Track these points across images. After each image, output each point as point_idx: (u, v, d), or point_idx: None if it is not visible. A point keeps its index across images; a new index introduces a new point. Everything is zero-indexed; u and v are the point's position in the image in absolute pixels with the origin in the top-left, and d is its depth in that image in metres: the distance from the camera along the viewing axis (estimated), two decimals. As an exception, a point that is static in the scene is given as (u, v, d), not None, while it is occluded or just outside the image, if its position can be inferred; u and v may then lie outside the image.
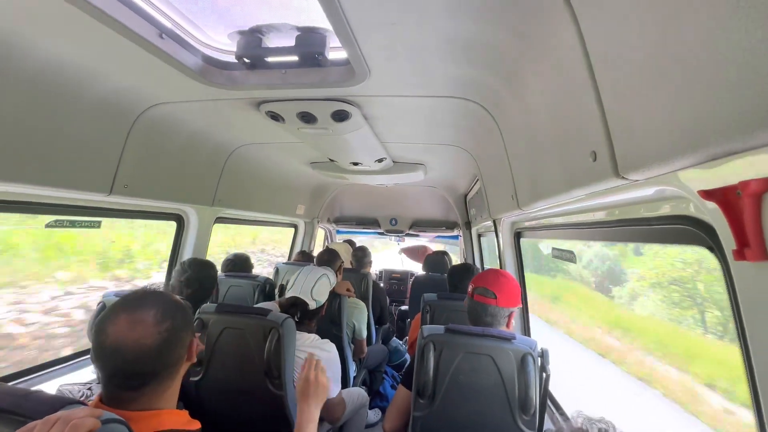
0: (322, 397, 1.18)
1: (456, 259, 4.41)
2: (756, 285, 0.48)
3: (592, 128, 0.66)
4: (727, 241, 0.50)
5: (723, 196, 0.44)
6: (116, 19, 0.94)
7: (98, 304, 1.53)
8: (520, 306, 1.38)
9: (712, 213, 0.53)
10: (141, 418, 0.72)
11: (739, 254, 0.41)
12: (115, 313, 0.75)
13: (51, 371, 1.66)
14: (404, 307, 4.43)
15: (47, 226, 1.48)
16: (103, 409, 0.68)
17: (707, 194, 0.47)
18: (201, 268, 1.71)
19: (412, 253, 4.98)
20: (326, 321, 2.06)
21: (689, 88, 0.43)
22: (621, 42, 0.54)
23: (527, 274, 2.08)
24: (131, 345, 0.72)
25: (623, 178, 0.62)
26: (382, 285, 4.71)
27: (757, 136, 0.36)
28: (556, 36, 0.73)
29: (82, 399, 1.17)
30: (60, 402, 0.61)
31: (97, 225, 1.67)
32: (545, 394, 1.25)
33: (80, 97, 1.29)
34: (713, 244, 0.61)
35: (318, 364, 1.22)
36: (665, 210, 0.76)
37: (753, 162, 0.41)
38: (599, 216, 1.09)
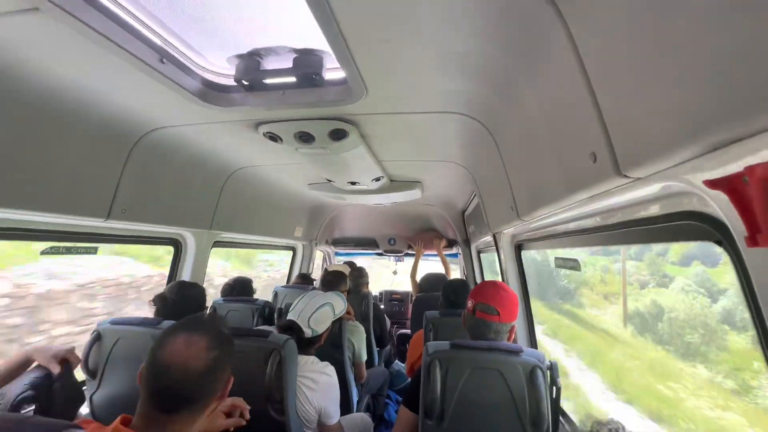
0: None
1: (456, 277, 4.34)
2: None
3: (590, 129, 0.67)
4: (738, 229, 0.50)
5: (729, 185, 0.44)
6: (118, 44, 0.97)
7: (92, 333, 1.48)
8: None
9: (719, 203, 0.53)
10: None
11: (752, 240, 0.41)
12: (174, 333, 0.80)
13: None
14: (404, 330, 4.34)
15: (43, 253, 1.45)
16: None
17: (713, 184, 0.47)
18: (184, 291, 1.66)
19: (424, 243, 4.31)
20: (327, 344, 2.00)
21: (685, 78, 0.44)
22: (613, 39, 0.56)
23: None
24: (181, 364, 0.75)
25: (625, 176, 0.62)
26: (382, 306, 4.63)
27: (759, 120, 0.37)
28: (547, 43, 0.75)
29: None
30: (57, 426, 0.58)
31: (94, 251, 1.65)
32: (557, 409, 1.21)
33: (80, 121, 1.30)
34: (722, 237, 0.61)
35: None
36: (669, 207, 0.76)
37: (757, 147, 0.41)
38: (601, 220, 1.09)
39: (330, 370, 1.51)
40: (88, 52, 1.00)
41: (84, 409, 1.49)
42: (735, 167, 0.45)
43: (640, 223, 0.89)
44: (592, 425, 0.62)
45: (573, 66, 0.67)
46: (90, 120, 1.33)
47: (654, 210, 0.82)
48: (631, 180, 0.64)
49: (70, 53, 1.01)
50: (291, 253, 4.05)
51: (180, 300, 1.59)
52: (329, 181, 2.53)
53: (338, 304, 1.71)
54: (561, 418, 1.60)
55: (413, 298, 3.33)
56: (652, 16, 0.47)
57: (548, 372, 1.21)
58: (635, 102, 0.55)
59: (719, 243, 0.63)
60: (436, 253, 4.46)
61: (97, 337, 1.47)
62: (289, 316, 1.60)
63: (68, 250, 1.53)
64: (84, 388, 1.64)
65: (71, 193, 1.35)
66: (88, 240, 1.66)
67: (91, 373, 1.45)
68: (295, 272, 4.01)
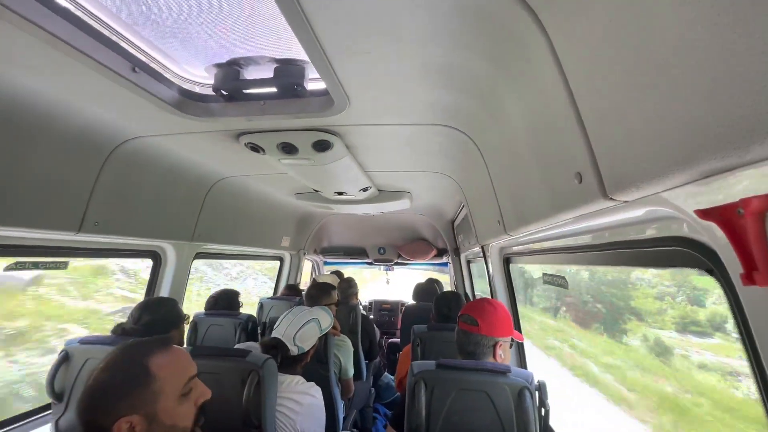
0: None
1: (446, 287, 4.31)
2: None
3: (576, 149, 0.64)
4: (732, 263, 0.47)
5: (723, 216, 0.41)
6: (84, 52, 0.92)
7: (60, 352, 1.40)
8: (510, 337, 1.31)
9: (711, 234, 0.50)
10: None
11: (748, 279, 0.37)
12: None
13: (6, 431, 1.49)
14: (394, 340, 4.27)
15: (7, 269, 1.38)
16: None
17: (705, 214, 0.44)
18: (158, 308, 1.55)
19: (413, 251, 4.39)
20: (312, 360, 1.94)
21: (675, 100, 0.41)
22: (598, 58, 0.53)
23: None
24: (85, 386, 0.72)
25: (611, 199, 0.59)
26: (371, 316, 4.56)
27: (756, 149, 0.33)
28: (531, 58, 0.73)
29: None
30: None
31: (64, 266, 1.57)
32: (545, 430, 1.17)
33: (49, 132, 1.24)
34: (713, 267, 0.58)
35: None
36: (659, 232, 0.73)
37: (754, 176, 0.38)
38: (590, 239, 1.06)
39: (315, 390, 1.45)
40: (54, 60, 0.95)
41: (49, 435, 1.40)
42: (729, 197, 0.42)
43: (629, 246, 0.86)
44: None
45: (556, 79, 0.64)
46: (59, 130, 1.27)
47: (642, 233, 0.79)
48: (617, 203, 0.61)
49: (34, 60, 0.95)
50: (278, 263, 3.97)
51: (143, 328, 1.47)
52: (316, 191, 2.48)
53: (324, 319, 1.65)
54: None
55: (403, 308, 3.28)
56: (638, 28, 0.44)
57: (536, 393, 1.17)
58: (622, 121, 0.51)
59: (710, 272, 0.60)
60: (424, 261, 4.45)
61: (65, 357, 1.39)
62: (274, 334, 1.54)
63: (35, 266, 1.45)
64: (49, 412, 1.55)
65: (39, 207, 1.28)
66: (59, 254, 1.58)
67: (57, 396, 1.36)
68: (283, 282, 3.93)
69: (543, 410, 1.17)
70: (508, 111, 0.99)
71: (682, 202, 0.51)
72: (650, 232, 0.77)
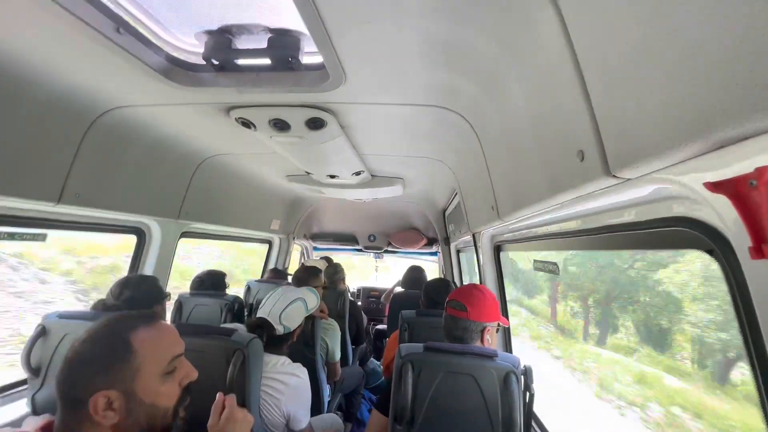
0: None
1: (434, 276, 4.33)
2: None
3: (579, 126, 0.63)
4: (738, 239, 0.46)
5: (734, 188, 0.40)
6: (67, 8, 0.86)
7: (37, 327, 1.36)
8: (498, 323, 1.32)
9: (719, 208, 0.49)
10: None
11: (757, 251, 0.36)
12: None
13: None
14: (381, 326, 4.30)
15: (-20, 238, 1.32)
16: None
17: (715, 186, 0.43)
18: (139, 284, 1.53)
19: (403, 240, 4.37)
20: (299, 342, 1.93)
21: (690, 65, 0.39)
22: (609, 26, 0.50)
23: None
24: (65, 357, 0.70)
25: (614, 176, 0.58)
26: (359, 303, 4.57)
27: None
28: (538, 34, 0.70)
29: None
30: None
31: (42, 238, 1.51)
32: (530, 414, 1.18)
33: (26, 96, 1.17)
34: (715, 246, 0.57)
35: (228, 401, 1.01)
36: (658, 212, 0.73)
37: None
38: (584, 223, 1.06)
39: (301, 371, 1.44)
40: (33, 16, 0.88)
41: (24, 409, 1.36)
42: (741, 168, 0.40)
43: (626, 228, 0.85)
44: None
45: (563, 53, 0.62)
46: (38, 95, 1.20)
47: (641, 214, 0.78)
48: (620, 181, 0.59)
49: (9, 16, 0.89)
50: (266, 246, 3.93)
51: (125, 304, 1.45)
52: (308, 173, 2.44)
53: (311, 299, 1.63)
54: (534, 424, 1.59)
55: (391, 295, 3.28)
56: (652, 2, 0.42)
57: (522, 377, 1.18)
58: (631, 91, 0.49)
59: (710, 252, 0.59)
60: (414, 250, 4.46)
61: (42, 332, 1.35)
62: (259, 314, 1.52)
63: (11, 236, 1.39)
64: (25, 387, 1.51)
65: (16, 174, 1.22)
66: (37, 226, 1.52)
67: (34, 371, 1.33)
68: (271, 266, 3.89)
69: (528, 394, 1.18)
70: (509, 91, 0.96)
71: (688, 177, 0.50)
72: (649, 213, 0.76)
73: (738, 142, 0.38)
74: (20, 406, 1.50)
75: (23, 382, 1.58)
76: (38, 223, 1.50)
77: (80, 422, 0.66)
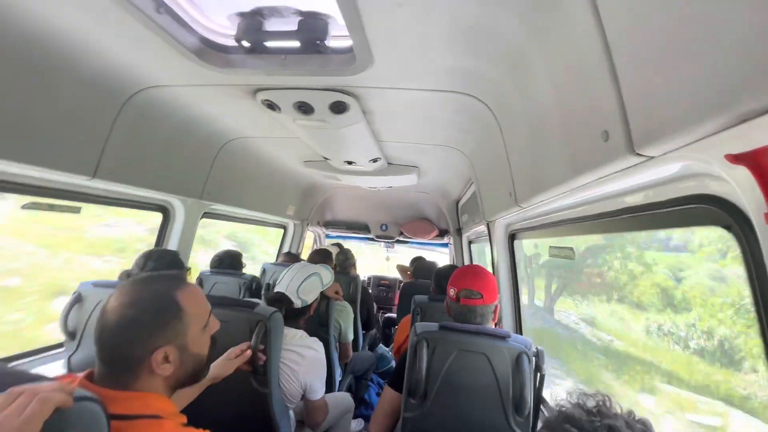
0: None
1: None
2: None
3: (605, 105, 0.65)
4: (757, 214, 0.47)
5: (755, 159, 0.42)
6: None
7: (73, 293, 1.44)
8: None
9: (738, 182, 0.51)
10: (123, 399, 0.70)
11: None
12: (119, 288, 0.77)
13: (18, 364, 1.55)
14: (390, 314, 4.36)
15: (24, 207, 1.40)
16: (88, 387, 0.67)
17: (736, 158, 0.45)
18: (162, 256, 1.60)
19: (415, 230, 4.39)
20: (314, 323, 2.00)
21: (714, 45, 0.40)
22: (639, 8, 0.52)
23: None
24: (103, 316, 0.73)
25: (638, 154, 0.60)
26: (370, 291, 4.64)
27: None
28: (568, 16, 0.72)
29: None
30: (27, 377, 0.55)
31: (77, 210, 1.59)
32: (540, 395, 1.22)
33: (70, 72, 1.24)
34: (733, 221, 0.59)
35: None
36: (677, 190, 0.74)
37: None
38: (602, 206, 1.07)
39: (318, 345, 1.50)
40: None
41: (61, 370, 1.46)
42: (762, 141, 0.42)
43: (644, 209, 0.87)
44: (578, 397, 0.61)
45: (591, 32, 0.63)
46: (81, 71, 1.26)
47: (660, 194, 0.80)
48: (643, 159, 0.61)
49: None
50: (281, 231, 4.01)
51: (160, 266, 1.53)
52: (326, 159, 2.48)
53: (325, 274, 1.69)
54: (542, 405, 1.62)
55: (401, 285, 3.34)
56: None
57: (534, 359, 1.21)
58: (659, 68, 0.51)
59: (728, 228, 0.61)
60: (425, 240, 4.49)
61: (78, 299, 1.43)
62: (277, 288, 1.58)
63: (51, 207, 1.47)
64: (62, 349, 1.61)
65: (56, 147, 1.29)
66: (73, 198, 1.60)
67: (71, 334, 1.42)
68: (285, 251, 3.98)
69: (539, 375, 1.22)
70: (535, 74, 0.98)
71: (710, 152, 0.52)
72: (667, 193, 0.78)
73: (760, 116, 0.40)
74: (57, 367, 1.60)
75: (59, 345, 1.69)
76: (74, 196, 1.58)
77: (137, 377, 0.72)
